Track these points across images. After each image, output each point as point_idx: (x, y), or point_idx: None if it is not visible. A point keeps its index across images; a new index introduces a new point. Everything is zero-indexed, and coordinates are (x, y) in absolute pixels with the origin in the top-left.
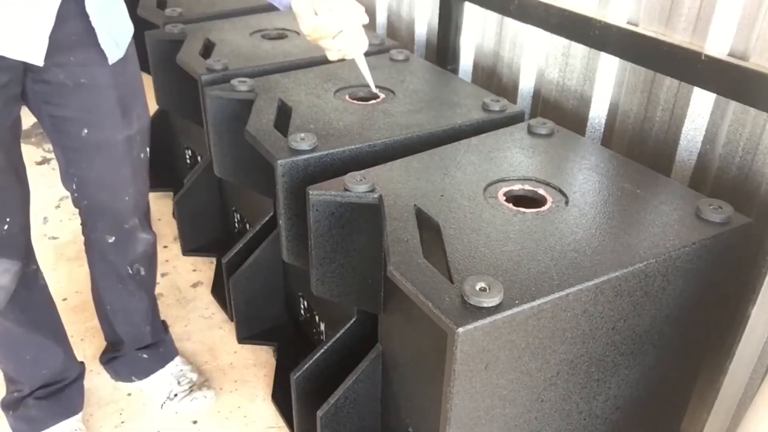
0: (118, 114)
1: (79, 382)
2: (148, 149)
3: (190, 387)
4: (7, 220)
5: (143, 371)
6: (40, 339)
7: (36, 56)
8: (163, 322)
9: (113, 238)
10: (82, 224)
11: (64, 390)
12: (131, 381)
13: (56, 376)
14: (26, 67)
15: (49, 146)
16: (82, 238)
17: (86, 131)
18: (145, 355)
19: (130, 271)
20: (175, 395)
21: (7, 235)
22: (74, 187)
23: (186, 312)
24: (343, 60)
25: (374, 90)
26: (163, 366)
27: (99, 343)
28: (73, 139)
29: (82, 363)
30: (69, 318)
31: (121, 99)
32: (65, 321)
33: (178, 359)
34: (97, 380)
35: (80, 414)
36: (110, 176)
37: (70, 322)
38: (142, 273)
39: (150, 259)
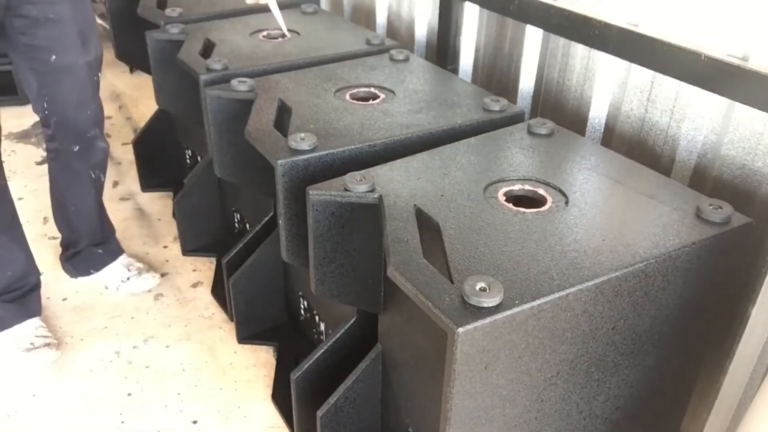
0: (79, 43)
1: (37, 290)
2: (100, 74)
3: (139, 271)
4: None
5: (100, 264)
6: (5, 241)
7: None
8: (110, 223)
9: (78, 147)
10: (48, 141)
11: (26, 295)
12: (89, 274)
13: (18, 280)
14: (7, 5)
15: None
16: None
17: (54, 57)
18: (99, 251)
19: (93, 176)
20: (128, 279)
21: None
22: (45, 105)
23: (186, 312)
24: (257, 4)
25: (285, 32)
26: (115, 259)
27: (102, 345)
28: (45, 64)
29: (40, 273)
30: (69, 318)
31: (80, 31)
32: (65, 321)
33: (125, 254)
34: (97, 381)
35: (40, 317)
36: (75, 94)
37: (70, 322)
38: (102, 179)
39: (105, 165)
